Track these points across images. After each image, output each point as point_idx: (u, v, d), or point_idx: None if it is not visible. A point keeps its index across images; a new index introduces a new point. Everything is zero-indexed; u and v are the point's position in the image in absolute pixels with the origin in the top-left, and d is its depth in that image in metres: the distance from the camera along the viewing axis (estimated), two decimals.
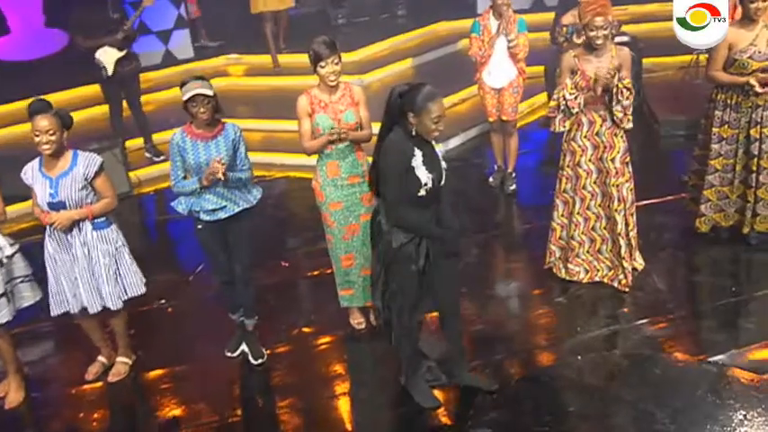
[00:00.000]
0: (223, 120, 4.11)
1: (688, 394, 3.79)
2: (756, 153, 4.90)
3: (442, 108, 3.48)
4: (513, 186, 6.38)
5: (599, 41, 4.41)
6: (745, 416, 3.61)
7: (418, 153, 3.52)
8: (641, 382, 3.91)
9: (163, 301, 5.22)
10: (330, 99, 4.20)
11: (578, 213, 4.80)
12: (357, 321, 4.70)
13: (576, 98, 4.46)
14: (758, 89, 4.66)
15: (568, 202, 4.82)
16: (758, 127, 4.84)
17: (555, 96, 4.60)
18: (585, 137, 4.61)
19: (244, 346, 4.53)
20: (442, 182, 3.64)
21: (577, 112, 4.52)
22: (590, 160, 4.66)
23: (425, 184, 3.52)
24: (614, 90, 4.39)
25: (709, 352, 4.13)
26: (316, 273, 5.42)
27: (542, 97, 8.10)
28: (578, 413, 3.77)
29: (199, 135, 4.02)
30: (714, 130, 4.97)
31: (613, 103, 4.44)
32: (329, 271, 5.20)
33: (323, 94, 4.21)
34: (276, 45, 9.31)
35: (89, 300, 4.12)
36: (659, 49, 8.19)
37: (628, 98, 4.43)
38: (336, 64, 4.11)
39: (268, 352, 4.50)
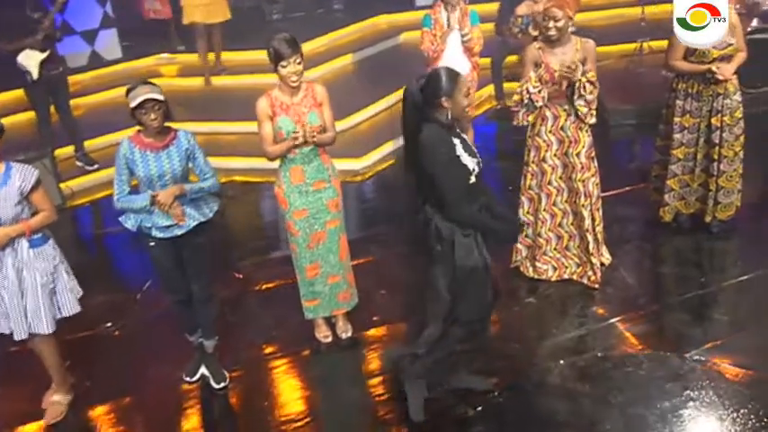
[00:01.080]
0: (174, 127, 3.78)
1: (676, 394, 3.70)
2: (717, 142, 4.87)
3: (466, 81, 3.47)
4: None
5: (551, 32, 4.29)
6: (737, 412, 3.54)
7: (456, 141, 3.40)
8: (627, 384, 3.81)
9: (109, 325, 4.83)
10: (292, 100, 3.93)
11: (545, 210, 4.67)
12: (323, 334, 4.45)
13: (539, 91, 4.32)
14: (719, 76, 4.63)
15: (534, 198, 4.69)
16: (719, 115, 4.81)
17: (518, 90, 4.45)
18: (550, 131, 4.47)
19: (204, 370, 4.22)
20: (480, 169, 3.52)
21: (541, 106, 4.38)
22: (555, 155, 4.53)
23: (473, 170, 3.39)
24: (577, 84, 4.27)
25: (688, 347, 4.07)
26: (271, 285, 5.14)
27: (489, 90, 7.99)
28: (566, 421, 3.64)
29: (149, 145, 3.67)
30: (676, 119, 4.92)
31: (575, 98, 4.32)
32: (286, 282, 4.98)
33: (284, 96, 3.93)
34: (207, 60, 8.46)
35: (16, 324, 3.71)
36: (600, 38, 8.16)
37: (591, 92, 4.31)
38: (299, 63, 3.84)
39: (229, 374, 4.21)
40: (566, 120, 4.44)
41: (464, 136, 3.49)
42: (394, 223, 5.79)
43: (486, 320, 3.71)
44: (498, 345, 4.29)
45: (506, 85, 7.90)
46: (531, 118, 4.46)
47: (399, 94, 7.80)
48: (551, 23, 4.26)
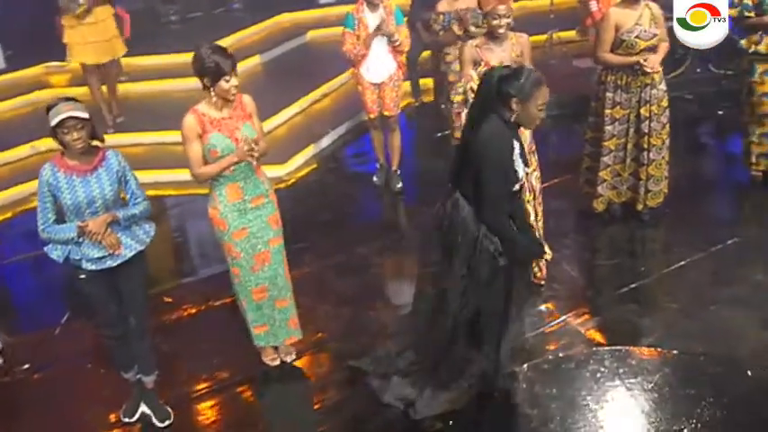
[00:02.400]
0: (102, 146, 3.40)
1: (644, 387, 3.70)
2: (646, 131, 4.96)
3: (547, 94, 3.23)
4: (400, 184, 6.08)
5: (501, 30, 4.22)
6: (705, 397, 3.58)
7: (516, 144, 3.22)
8: (593, 383, 3.77)
9: (26, 367, 4.35)
10: (222, 115, 3.62)
11: None
12: (271, 358, 4.16)
13: None
14: (647, 69, 4.70)
15: None
16: (648, 105, 4.89)
17: (460, 90, 4.35)
18: None
19: (144, 408, 3.86)
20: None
21: None
22: None
23: (521, 179, 3.24)
24: None
25: (643, 338, 4.10)
26: (204, 307, 4.80)
27: (405, 86, 7.87)
28: (540, 428, 3.55)
29: (74, 168, 3.28)
30: (606, 111, 4.96)
31: None
32: (220, 303, 4.68)
33: (212, 111, 3.62)
34: (103, 101, 7.23)
35: None
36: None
37: None
38: (236, 75, 3.55)
39: (172, 410, 3.87)
40: None
41: (521, 140, 3.35)
42: (325, 232, 5.59)
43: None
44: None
45: (421, 82, 7.85)
46: None
47: (313, 95, 7.85)
48: (503, 21, 4.20)
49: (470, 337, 3.51)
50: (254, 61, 8.46)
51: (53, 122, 3.16)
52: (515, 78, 3.17)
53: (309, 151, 6.89)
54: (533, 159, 4.46)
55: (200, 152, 3.63)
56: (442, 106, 7.43)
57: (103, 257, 3.35)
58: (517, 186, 3.26)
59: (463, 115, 4.35)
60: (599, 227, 5.29)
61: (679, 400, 3.59)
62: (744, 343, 3.99)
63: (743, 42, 5.21)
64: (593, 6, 6.31)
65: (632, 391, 3.68)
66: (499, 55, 4.27)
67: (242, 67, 8.33)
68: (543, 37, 8.06)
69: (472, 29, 5.56)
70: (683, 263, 4.75)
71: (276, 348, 4.19)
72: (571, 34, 8.05)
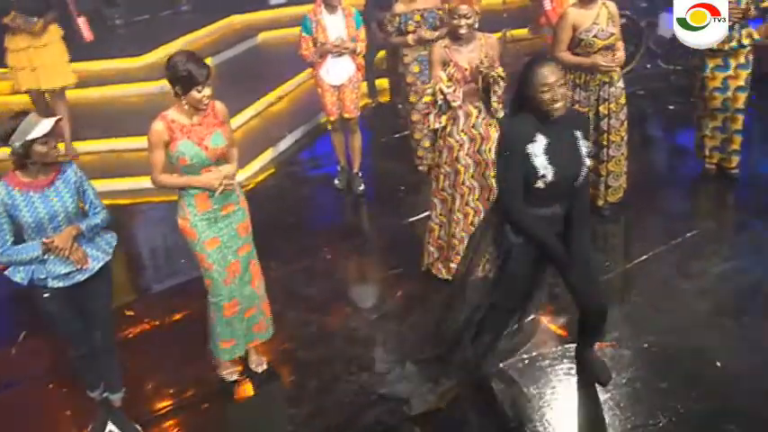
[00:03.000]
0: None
1: (619, 382, 3.73)
2: (606, 129, 5.03)
3: (550, 74, 3.06)
4: (362, 187, 6.04)
5: (462, 30, 4.20)
6: (676, 390, 3.63)
7: (541, 139, 3.14)
8: (569, 380, 3.80)
9: None
10: (191, 122, 3.51)
11: (458, 210, 4.57)
12: (228, 372, 4.05)
13: (454, 91, 4.21)
14: (603, 67, 4.76)
15: (447, 200, 4.58)
16: (606, 103, 4.96)
17: (429, 91, 4.32)
18: (462, 131, 4.38)
19: (112, 427, 3.71)
20: (577, 179, 3.23)
21: (456, 106, 4.27)
22: (467, 154, 4.44)
23: (543, 176, 3.13)
24: (491, 81, 4.21)
25: (613, 333, 4.12)
26: (167, 320, 4.66)
27: (362, 87, 7.83)
28: (522, 427, 3.55)
29: (30, 185, 3.14)
30: None
31: (491, 95, 4.26)
32: (183, 315, 4.57)
33: (182, 117, 3.50)
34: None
35: None
36: None
37: (502, 87, 4.28)
38: (209, 84, 3.45)
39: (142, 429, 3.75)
40: (477, 117, 4.36)
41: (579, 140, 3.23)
42: (289, 237, 5.51)
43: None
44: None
45: (377, 82, 7.82)
46: (443, 119, 4.34)
47: (268, 98, 7.74)
48: (462, 21, 4.18)
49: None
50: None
51: (34, 135, 3.03)
52: (525, 66, 3.17)
53: (267, 155, 6.80)
54: None
55: (163, 159, 3.52)
56: (399, 106, 7.42)
57: (71, 273, 3.22)
58: (540, 184, 3.16)
59: (431, 117, 4.33)
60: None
61: (652, 394, 3.64)
62: (711, 334, 4.06)
63: None
64: (547, 5, 6.37)
65: (606, 387, 3.70)
66: (467, 56, 4.26)
67: None
68: (497, 35, 8.08)
69: (426, 35, 5.56)
70: (645, 257, 4.83)
71: (235, 361, 4.08)
72: (523, 32, 8.14)
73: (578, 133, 3.25)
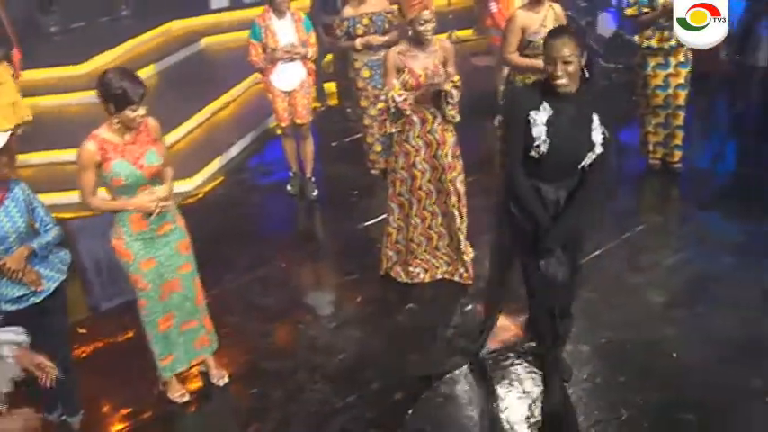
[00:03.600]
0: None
1: (581, 379, 3.80)
2: None
3: (558, 48, 3.01)
4: (316, 192, 6.01)
5: (428, 35, 4.23)
6: (629, 383, 3.71)
7: (546, 108, 3.06)
8: (534, 378, 3.85)
9: None
10: (124, 140, 3.39)
11: (416, 215, 4.60)
12: (179, 393, 3.94)
13: (406, 99, 4.21)
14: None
15: (404, 204, 4.60)
16: None
17: (383, 98, 4.32)
18: (419, 136, 4.40)
19: None
20: (580, 162, 3.10)
21: (410, 113, 4.28)
22: (424, 159, 4.46)
23: (537, 146, 3.06)
24: (444, 93, 4.24)
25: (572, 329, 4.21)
26: (119, 337, 4.53)
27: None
28: (488, 427, 3.59)
29: None
30: None
31: (444, 105, 4.30)
32: (135, 332, 4.43)
33: (114, 136, 3.37)
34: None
35: None
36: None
37: (456, 97, 4.32)
38: (144, 105, 3.35)
39: None
40: (433, 122, 4.38)
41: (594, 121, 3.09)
42: (242, 246, 5.44)
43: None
44: (392, 359, 4.15)
45: (325, 86, 7.79)
46: (399, 125, 4.35)
47: (215, 105, 7.61)
48: (429, 26, 4.21)
49: None
50: (148, 71, 8.08)
51: None
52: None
53: (216, 164, 6.68)
54: (457, 163, 4.51)
55: (94, 181, 3.40)
56: (348, 110, 7.42)
57: (25, 295, 3.11)
58: (534, 153, 3.08)
59: (387, 124, 4.33)
60: (495, 221, 5.39)
61: (612, 388, 3.73)
62: (664, 326, 4.19)
63: (636, 38, 5.49)
64: (493, 7, 6.45)
65: (568, 383, 3.77)
66: (423, 61, 4.28)
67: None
68: (443, 36, 8.15)
69: (375, 40, 5.58)
70: (598, 252, 4.93)
71: (183, 382, 4.00)
72: (468, 33, 8.22)
73: (595, 117, 3.10)
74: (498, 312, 3.91)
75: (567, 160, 3.13)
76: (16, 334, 2.66)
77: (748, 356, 3.90)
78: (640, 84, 5.65)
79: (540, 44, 4.68)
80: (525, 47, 4.86)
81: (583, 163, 3.12)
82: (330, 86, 7.83)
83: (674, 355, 3.92)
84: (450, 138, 4.46)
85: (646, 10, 5.34)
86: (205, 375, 4.06)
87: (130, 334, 4.51)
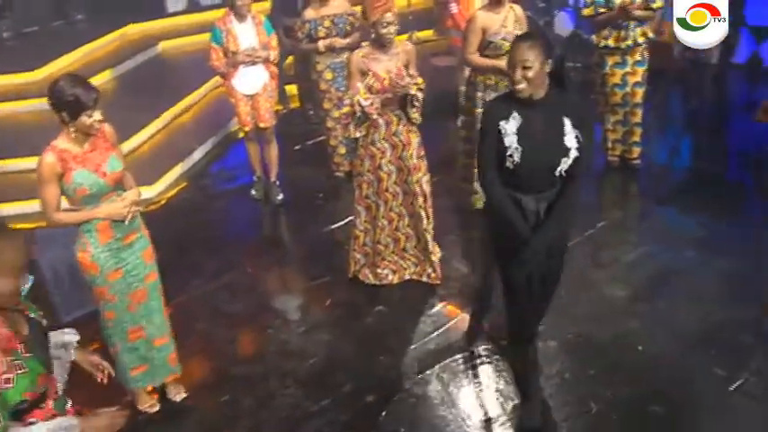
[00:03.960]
0: None
1: (553, 375, 3.85)
2: None
3: (519, 53, 2.99)
4: (281, 196, 5.98)
5: (391, 37, 4.25)
6: (621, 378, 3.78)
7: (516, 117, 3.05)
8: (504, 377, 3.89)
9: None
10: (84, 149, 3.32)
11: (383, 217, 4.61)
12: (149, 404, 3.89)
13: (371, 103, 4.22)
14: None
15: (371, 206, 4.60)
16: None
17: (347, 101, 4.32)
18: (384, 139, 4.41)
19: None
20: (556, 168, 3.06)
21: (376, 117, 4.29)
22: (390, 161, 4.47)
23: (510, 156, 3.05)
24: (408, 97, 4.27)
25: (547, 325, 4.25)
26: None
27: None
28: (459, 429, 3.61)
29: None
30: (478, 110, 5.12)
31: (409, 108, 4.33)
32: (101, 345, 4.36)
33: (73, 146, 3.30)
34: None
35: None
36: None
37: (420, 99, 4.35)
38: (99, 109, 3.29)
39: None
40: (397, 124, 4.40)
41: (566, 128, 3.06)
42: (208, 252, 5.38)
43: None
44: (363, 361, 4.15)
45: (286, 88, 7.75)
46: (363, 128, 4.35)
47: (174, 110, 7.51)
48: (391, 29, 4.23)
49: None
50: (105, 77, 7.95)
51: None
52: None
53: (178, 170, 6.60)
54: (423, 164, 4.54)
55: (57, 195, 3.32)
56: (311, 112, 7.41)
57: None
58: (509, 164, 3.07)
59: (351, 127, 4.33)
60: (479, 221, 5.45)
61: (582, 383, 3.79)
62: (629, 320, 4.27)
63: (593, 38, 5.59)
64: (454, 8, 6.50)
65: (544, 380, 3.82)
66: (386, 64, 4.28)
67: (92, 82, 7.88)
68: (404, 36, 8.18)
69: (337, 43, 5.58)
70: None
71: (153, 392, 3.94)
72: (429, 34, 8.27)
73: (567, 120, 3.06)
74: (485, 310, 3.92)
75: (541, 167, 3.09)
76: (72, 335, 2.66)
77: (710, 347, 4.00)
78: (599, 82, 5.76)
79: (501, 45, 4.84)
80: (486, 47, 4.91)
81: (559, 169, 3.07)
82: (291, 89, 7.80)
83: (640, 348, 4.00)
84: (415, 139, 4.48)
85: (602, 10, 5.45)
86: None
87: (95, 346, 4.43)
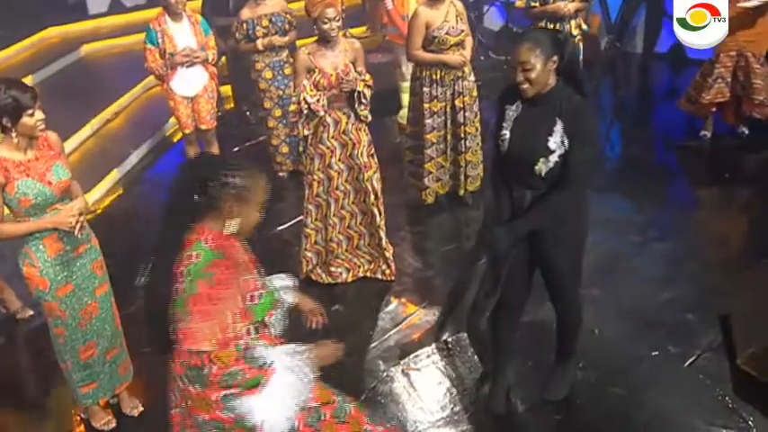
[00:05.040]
0: None
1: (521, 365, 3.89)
2: (462, 121, 5.23)
3: (517, 54, 2.94)
4: None
5: (333, 33, 4.20)
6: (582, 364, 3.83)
7: (516, 107, 3.07)
8: (469, 372, 3.92)
9: None
10: (27, 157, 3.16)
11: (334, 215, 4.57)
12: (104, 421, 3.72)
13: (318, 100, 4.17)
14: (452, 62, 4.95)
15: (321, 205, 4.55)
16: (461, 97, 5.16)
17: (294, 100, 4.26)
18: (333, 137, 4.36)
19: None
20: (533, 166, 2.99)
21: (321, 115, 4.24)
22: (340, 160, 4.43)
23: (502, 141, 3.08)
24: (356, 94, 4.25)
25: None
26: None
27: None
28: (426, 429, 3.62)
29: None
30: (425, 105, 5.14)
31: (357, 105, 4.30)
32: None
33: (15, 154, 3.13)
34: None
35: None
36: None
37: (368, 96, 4.33)
38: (41, 108, 3.14)
39: None
40: (346, 123, 4.36)
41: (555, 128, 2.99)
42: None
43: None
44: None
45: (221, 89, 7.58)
46: (312, 126, 4.30)
47: (104, 115, 7.25)
48: (333, 25, 4.18)
49: None
50: (26, 82, 7.56)
51: None
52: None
53: (112, 176, 6.36)
54: (373, 162, 4.52)
55: (1, 206, 3.15)
56: (248, 113, 7.28)
57: None
58: (501, 149, 3.11)
59: (299, 125, 4.27)
60: (429, 216, 5.48)
61: (542, 370, 3.81)
62: (583, 305, 4.35)
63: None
64: (389, 4, 6.49)
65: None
66: (333, 61, 4.24)
67: None
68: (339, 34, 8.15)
69: (277, 42, 5.51)
70: None
71: (107, 407, 3.78)
72: (361, 31, 8.25)
73: (559, 124, 2.98)
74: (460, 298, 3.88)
75: (520, 161, 3.07)
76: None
77: (660, 327, 4.13)
78: None
79: (445, 39, 4.88)
80: (430, 43, 4.93)
81: (537, 168, 3.00)
82: (226, 90, 7.63)
83: (596, 331, 4.09)
84: (365, 137, 4.46)
85: (534, 4, 5.57)
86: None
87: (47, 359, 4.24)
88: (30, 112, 3.07)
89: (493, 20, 8.85)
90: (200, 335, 2.27)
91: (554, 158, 2.99)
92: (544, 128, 2.99)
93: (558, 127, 2.98)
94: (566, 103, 2.98)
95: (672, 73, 8.28)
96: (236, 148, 6.84)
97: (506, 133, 3.08)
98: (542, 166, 3.00)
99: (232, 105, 7.64)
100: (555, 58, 2.96)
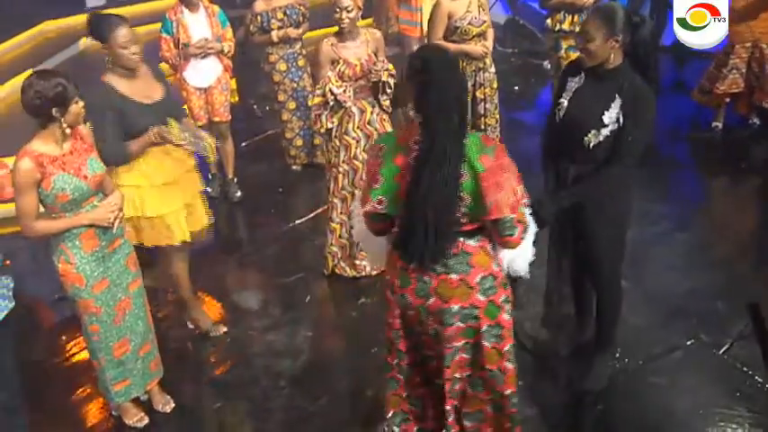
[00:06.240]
0: None
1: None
2: (483, 113, 5.20)
3: (584, 23, 3.10)
4: (239, 193, 5.77)
5: (345, 23, 4.16)
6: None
7: (579, 79, 3.12)
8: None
9: None
10: (63, 151, 3.08)
11: None
12: (136, 418, 3.65)
13: (345, 91, 4.13)
14: (474, 53, 4.91)
15: (347, 198, 4.50)
16: (482, 88, 5.13)
17: (319, 92, 4.21)
18: (358, 127, 4.31)
19: None
20: (584, 139, 3.05)
21: (350, 105, 4.19)
22: (364, 150, 4.38)
23: (559, 109, 3.16)
24: (381, 82, 4.20)
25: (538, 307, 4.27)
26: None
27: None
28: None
29: None
30: None
31: (381, 94, 4.26)
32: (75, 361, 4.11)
33: (51, 148, 3.06)
34: None
35: None
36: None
37: (392, 85, 4.29)
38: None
39: None
40: (371, 113, 4.32)
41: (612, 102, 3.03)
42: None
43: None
44: (355, 356, 4.05)
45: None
46: (336, 119, 4.25)
47: None
48: (344, 14, 4.12)
49: None
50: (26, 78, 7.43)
51: None
52: None
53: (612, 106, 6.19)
54: None
55: (36, 204, 3.08)
56: (255, 107, 7.21)
57: None
58: (557, 117, 3.19)
59: (323, 118, 4.22)
60: None
61: (580, 359, 3.83)
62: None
63: (548, 22, 5.66)
64: None
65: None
66: (354, 51, 4.21)
67: (15, 83, 7.38)
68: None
69: (292, 33, 5.46)
70: None
71: (140, 403, 3.72)
72: (368, 22, 8.15)
73: (618, 100, 3.00)
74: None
75: (572, 131, 3.11)
76: None
77: (692, 315, 4.11)
78: (554, 65, 5.84)
79: (468, 29, 4.85)
80: (452, 33, 4.89)
81: (587, 140, 3.05)
82: (232, 83, 7.53)
83: (628, 321, 4.08)
84: (389, 127, 4.42)
85: None
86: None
87: (75, 357, 4.17)
88: (76, 99, 3.01)
89: (499, 13, 8.82)
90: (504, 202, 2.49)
91: (605, 132, 3.03)
92: (602, 101, 3.03)
93: (616, 103, 3.00)
94: (628, 84, 3.01)
95: (675, 65, 8.30)
96: (244, 143, 6.76)
97: (564, 102, 3.15)
98: (592, 138, 3.06)
99: (237, 99, 7.54)
100: (619, 37, 2.97)
